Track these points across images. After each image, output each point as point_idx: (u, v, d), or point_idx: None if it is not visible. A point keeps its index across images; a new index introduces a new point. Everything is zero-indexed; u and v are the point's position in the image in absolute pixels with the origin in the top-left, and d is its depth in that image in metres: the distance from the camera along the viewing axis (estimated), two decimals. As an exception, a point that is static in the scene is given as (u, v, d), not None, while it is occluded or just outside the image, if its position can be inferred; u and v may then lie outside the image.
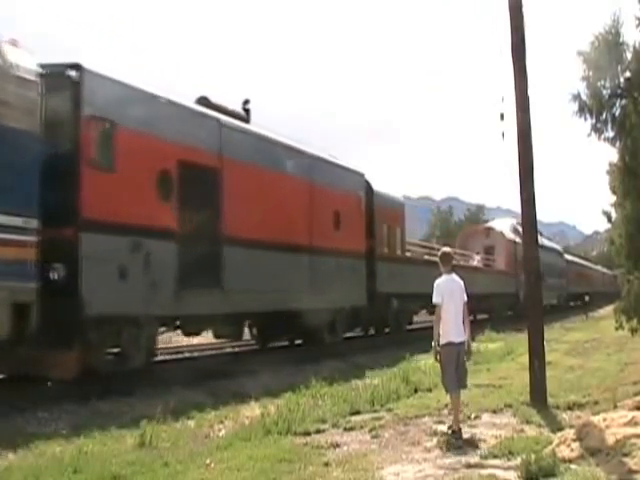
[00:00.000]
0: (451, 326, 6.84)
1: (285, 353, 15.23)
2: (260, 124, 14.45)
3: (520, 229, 41.25)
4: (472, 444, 6.32)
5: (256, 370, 11.83)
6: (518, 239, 34.03)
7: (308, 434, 7.03)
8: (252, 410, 8.60)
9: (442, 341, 6.85)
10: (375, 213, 18.77)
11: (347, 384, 10.48)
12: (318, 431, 7.18)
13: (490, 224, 40.96)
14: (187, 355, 15.44)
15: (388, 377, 10.67)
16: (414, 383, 9.98)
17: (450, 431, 6.69)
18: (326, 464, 5.71)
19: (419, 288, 20.59)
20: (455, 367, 6.85)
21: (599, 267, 71.77)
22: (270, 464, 5.70)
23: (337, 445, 6.46)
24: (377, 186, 19.73)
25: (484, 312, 29.16)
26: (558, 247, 49.86)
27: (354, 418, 7.85)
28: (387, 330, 20.66)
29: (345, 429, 7.27)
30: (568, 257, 51.85)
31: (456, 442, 6.37)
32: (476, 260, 30.95)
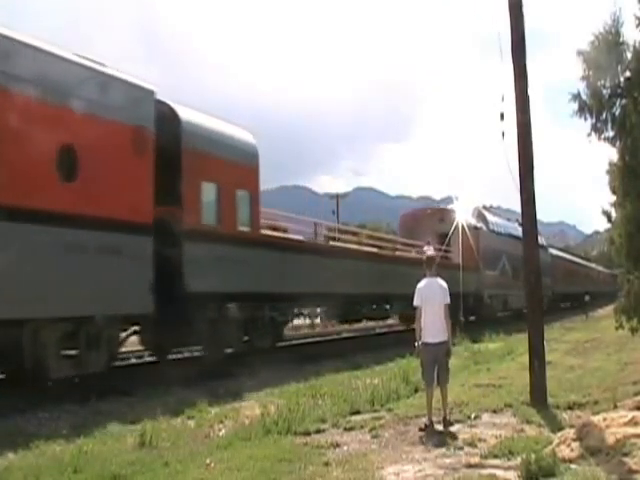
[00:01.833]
0: (428, 328, 7.21)
1: (285, 353, 15.21)
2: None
3: (486, 214, 31.96)
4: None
5: (256, 370, 11.83)
6: (481, 225, 28.72)
7: (308, 434, 7.04)
8: (252, 410, 8.60)
9: (421, 341, 7.25)
10: (184, 160, 11.64)
11: (347, 384, 10.47)
12: (318, 431, 7.19)
13: (448, 206, 29.53)
14: None
15: (388, 377, 10.67)
16: (414, 383, 9.97)
17: (423, 425, 7.05)
18: (326, 464, 5.72)
19: (293, 286, 14.74)
20: (433, 366, 7.26)
21: (594, 265, 66.67)
22: (270, 464, 5.71)
23: (337, 445, 6.47)
24: (192, 116, 12.13)
25: None
26: (541, 240, 40.28)
27: (354, 418, 7.86)
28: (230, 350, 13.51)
29: (345, 429, 7.28)
30: (554, 252, 44.24)
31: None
32: (425, 251, 23.36)
